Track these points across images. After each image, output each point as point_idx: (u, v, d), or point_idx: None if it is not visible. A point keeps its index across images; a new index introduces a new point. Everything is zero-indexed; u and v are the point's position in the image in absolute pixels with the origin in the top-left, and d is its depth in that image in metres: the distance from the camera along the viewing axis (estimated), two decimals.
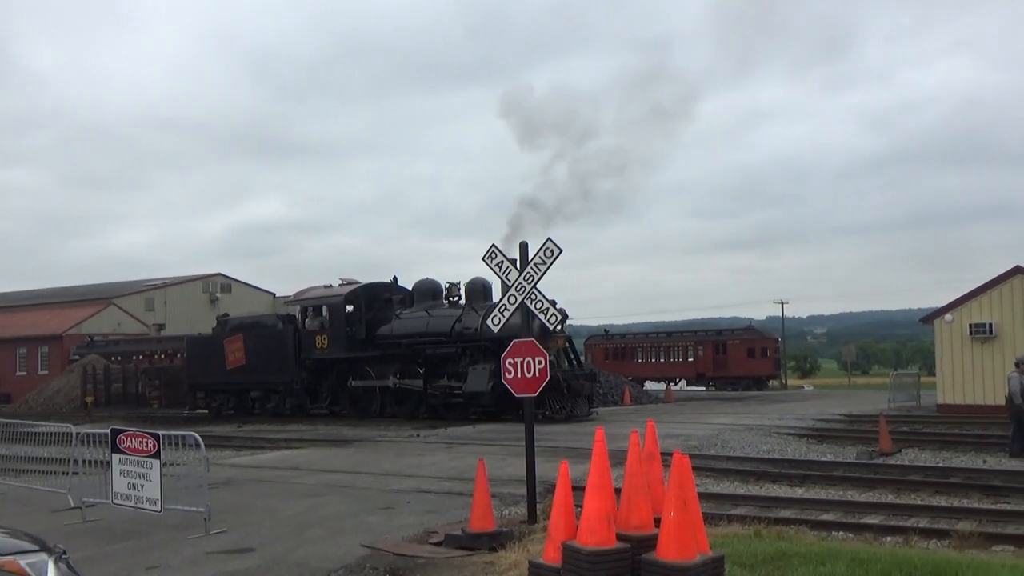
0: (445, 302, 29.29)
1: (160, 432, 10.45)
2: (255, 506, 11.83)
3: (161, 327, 60.72)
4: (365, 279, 31.53)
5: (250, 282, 76.00)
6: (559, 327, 25.83)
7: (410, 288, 30.59)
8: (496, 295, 27.01)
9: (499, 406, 25.80)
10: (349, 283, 31.09)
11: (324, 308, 30.62)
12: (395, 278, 31.19)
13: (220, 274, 73.01)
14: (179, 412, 38.29)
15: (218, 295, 70.41)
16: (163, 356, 49.88)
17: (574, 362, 28.14)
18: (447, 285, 29.31)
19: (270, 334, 32.10)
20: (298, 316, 31.64)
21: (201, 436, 10.87)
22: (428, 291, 29.87)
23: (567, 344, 27.83)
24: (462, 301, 28.74)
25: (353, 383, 29.85)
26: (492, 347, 25.07)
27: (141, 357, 49.80)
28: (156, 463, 10.07)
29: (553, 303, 25.08)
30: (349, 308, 29.91)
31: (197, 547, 9.25)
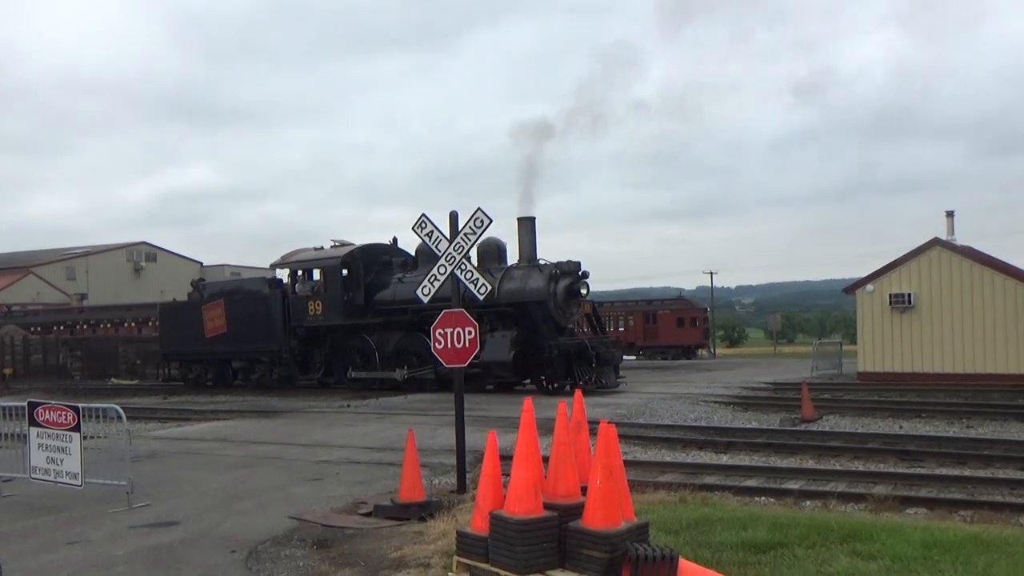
0: None
1: (80, 405, 10.17)
2: (180, 479, 11.64)
3: (83, 297, 59.10)
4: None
5: (177, 251, 74.39)
6: (585, 292, 24.57)
7: (412, 251, 27.88)
8: (511, 256, 25.89)
9: (520, 375, 24.58)
10: (343, 244, 28.89)
11: (318, 271, 28.28)
12: (395, 239, 28.80)
13: (145, 243, 71.35)
14: (103, 384, 37.45)
15: (143, 264, 68.86)
16: (85, 326, 48.64)
17: (599, 330, 26.58)
18: None
19: (255, 299, 29.66)
20: (287, 280, 29.18)
21: (126, 408, 10.64)
22: (433, 253, 28.76)
23: (592, 311, 26.48)
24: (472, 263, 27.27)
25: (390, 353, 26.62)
26: (513, 313, 24.11)
27: (62, 328, 48.49)
28: (76, 436, 9.82)
29: (578, 264, 24.22)
30: (345, 271, 27.51)
31: (119, 521, 9.07)
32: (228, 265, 74.53)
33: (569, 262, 24.35)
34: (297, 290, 28.56)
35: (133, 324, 47.74)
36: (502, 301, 24.10)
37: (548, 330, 23.52)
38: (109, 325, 48.29)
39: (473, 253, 26.30)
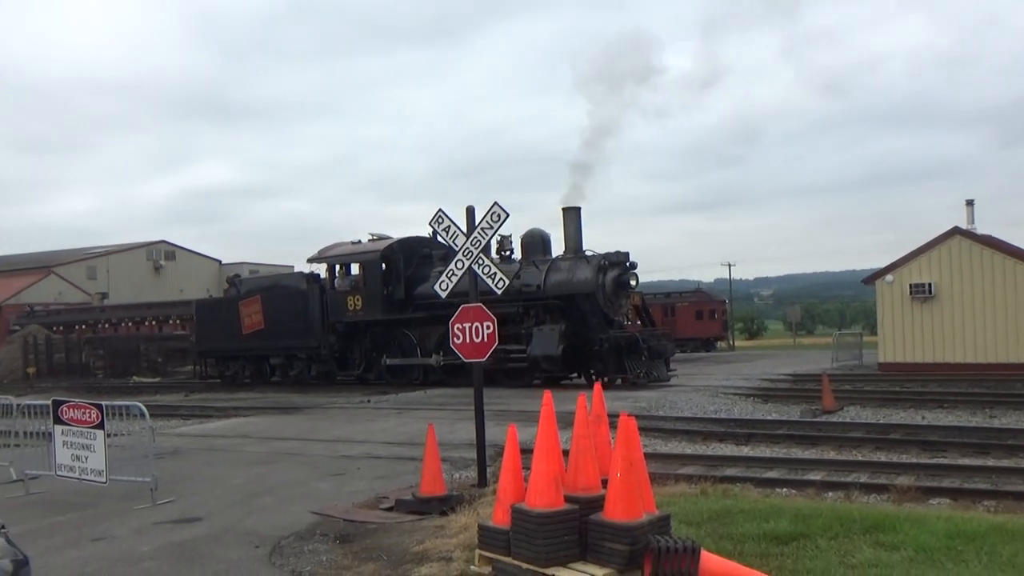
0: (496, 256, 25.93)
1: (104, 403, 10.27)
2: (203, 475, 11.73)
3: (104, 296, 59.56)
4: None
5: (195, 249, 74.84)
6: (635, 283, 24.19)
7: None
8: (556, 248, 25.42)
9: (567, 369, 24.27)
10: (380, 238, 28.14)
11: (356, 265, 27.79)
12: (434, 231, 28.49)
13: (164, 241, 71.80)
14: (125, 382, 37.75)
15: (162, 263, 69.30)
16: (107, 325, 49.04)
17: (648, 322, 26.15)
18: (499, 237, 25.87)
19: (293, 295, 29.29)
20: (325, 275, 28.67)
21: (148, 406, 10.73)
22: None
23: (641, 302, 25.91)
24: (514, 255, 26.04)
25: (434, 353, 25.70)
26: (560, 305, 23.66)
27: (84, 326, 48.90)
28: (100, 434, 9.91)
29: (626, 255, 23.96)
30: (384, 265, 26.92)
31: (144, 518, 9.16)
32: (247, 263, 74.88)
33: (617, 253, 23.97)
34: (336, 285, 28.08)
35: (154, 322, 48.08)
36: (549, 293, 23.77)
37: (597, 323, 23.09)
38: (130, 324, 48.66)
39: (516, 244, 25.86)
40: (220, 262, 75.48)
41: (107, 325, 49.04)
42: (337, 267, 28.36)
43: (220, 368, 32.60)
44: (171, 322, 47.73)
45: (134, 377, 39.99)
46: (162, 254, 69.91)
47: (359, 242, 28.57)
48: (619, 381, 22.63)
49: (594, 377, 23.29)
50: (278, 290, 30.33)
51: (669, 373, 24.05)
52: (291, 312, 28.86)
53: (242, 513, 9.21)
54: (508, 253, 25.96)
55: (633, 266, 24.07)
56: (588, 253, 24.12)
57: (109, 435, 10.13)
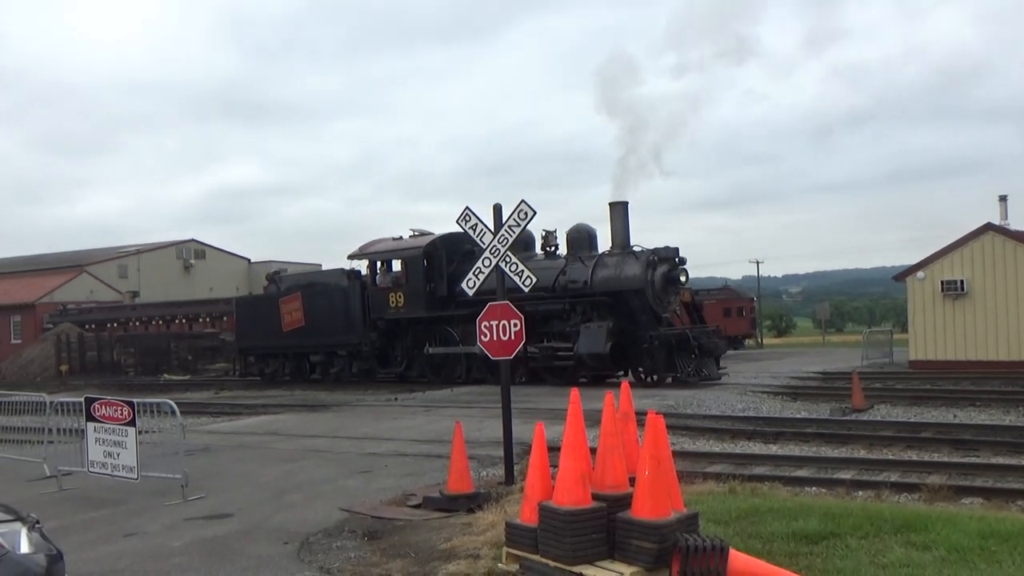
0: (540, 252, 25.85)
1: (135, 400, 10.39)
2: (233, 472, 11.84)
3: (135, 294, 60.21)
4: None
5: (224, 247, 75.43)
6: (684, 279, 23.61)
7: None
8: (602, 243, 24.94)
9: (615, 367, 23.76)
10: (422, 234, 27.67)
11: (398, 262, 27.38)
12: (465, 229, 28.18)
13: (194, 240, 72.36)
14: (155, 379, 38.15)
15: (192, 261, 69.87)
16: (138, 323, 49.57)
17: (698, 319, 25.42)
18: (543, 233, 25.76)
19: (334, 292, 28.80)
20: (366, 272, 28.28)
21: (178, 403, 10.85)
22: (520, 241, 25.97)
23: (691, 299, 25.11)
24: (559, 251, 25.50)
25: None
26: (608, 302, 23.12)
27: (116, 325, 49.47)
28: (131, 431, 10.03)
29: (676, 250, 23.59)
30: (427, 262, 26.42)
31: (175, 514, 9.25)
32: (275, 261, 75.31)
33: (667, 248, 23.51)
34: (377, 281, 27.78)
35: (184, 321, 48.55)
36: (596, 290, 23.29)
37: (647, 320, 22.68)
38: (161, 322, 49.16)
39: (562, 240, 25.41)
40: (249, 261, 76.02)
41: (138, 323, 49.56)
42: (378, 263, 28.07)
43: (260, 365, 32.25)
44: (201, 320, 48.16)
45: (164, 375, 40.40)
46: (192, 253, 70.49)
47: (400, 238, 28.30)
48: (669, 379, 22.22)
49: (643, 375, 22.91)
50: (319, 287, 29.95)
51: (720, 371, 23.56)
52: (332, 309, 28.55)
53: (271, 510, 9.28)
54: (553, 249, 25.50)
55: (682, 262, 23.63)
56: (636, 249, 23.63)
57: (140, 432, 10.25)
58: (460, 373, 26.01)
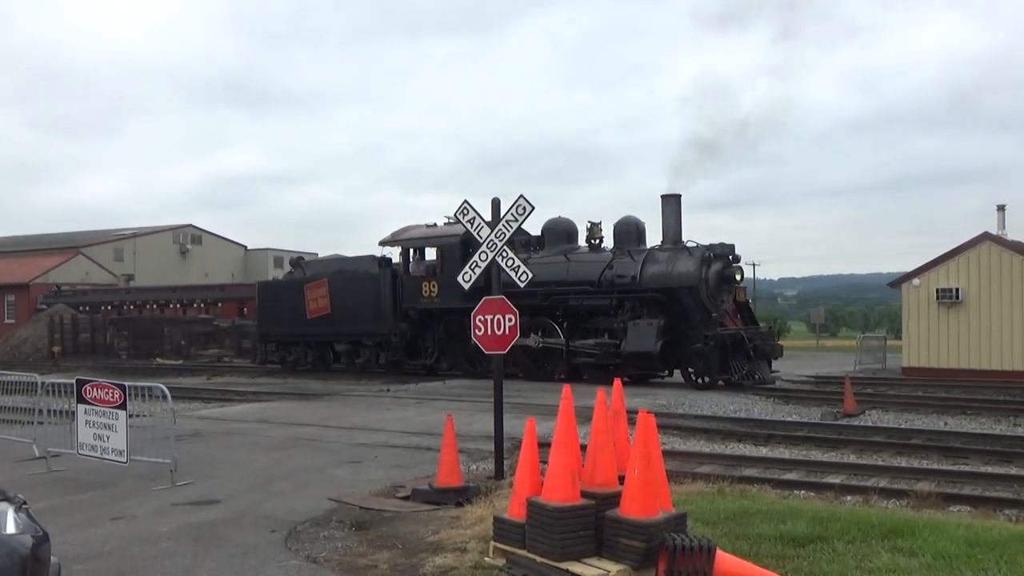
0: (585, 245, 24.91)
1: (127, 383, 10.37)
2: (222, 458, 11.82)
3: (130, 278, 60.14)
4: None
5: (221, 234, 75.34)
6: (740, 278, 22.79)
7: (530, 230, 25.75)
8: (653, 237, 23.97)
9: (665, 366, 22.90)
10: (458, 222, 26.79)
11: (433, 250, 26.21)
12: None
13: (191, 225, 72.30)
14: (148, 363, 38.11)
15: (188, 246, 69.81)
16: (132, 307, 49.52)
17: (750, 320, 24.27)
18: (588, 225, 24.70)
19: (363, 279, 27.75)
20: (398, 259, 27.33)
21: (170, 388, 10.82)
22: (563, 232, 25.33)
23: (745, 298, 24.16)
24: (604, 244, 24.56)
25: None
26: (659, 299, 22.13)
27: (110, 307, 49.41)
28: (122, 414, 10.01)
29: (731, 247, 22.92)
30: (464, 250, 24.25)
31: (162, 498, 9.24)
32: (271, 249, 75.33)
33: (722, 244, 22.68)
34: (411, 270, 26.79)
35: (178, 305, 48.51)
36: (646, 286, 22.40)
37: (700, 319, 21.72)
38: (155, 306, 49.12)
39: (607, 234, 24.27)
40: (246, 248, 75.97)
41: (132, 307, 49.53)
42: (412, 251, 27.07)
43: (281, 353, 31.20)
44: (195, 305, 48.13)
45: (157, 359, 40.37)
46: (188, 238, 70.41)
47: (434, 225, 27.37)
48: (720, 382, 21.42)
49: (693, 376, 22.08)
50: (347, 274, 28.85)
51: (773, 374, 22.62)
52: (360, 297, 27.56)
53: (260, 497, 9.27)
54: (598, 241, 24.56)
55: (737, 259, 22.84)
56: (689, 244, 22.82)
57: (131, 416, 10.22)
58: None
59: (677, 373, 23.23)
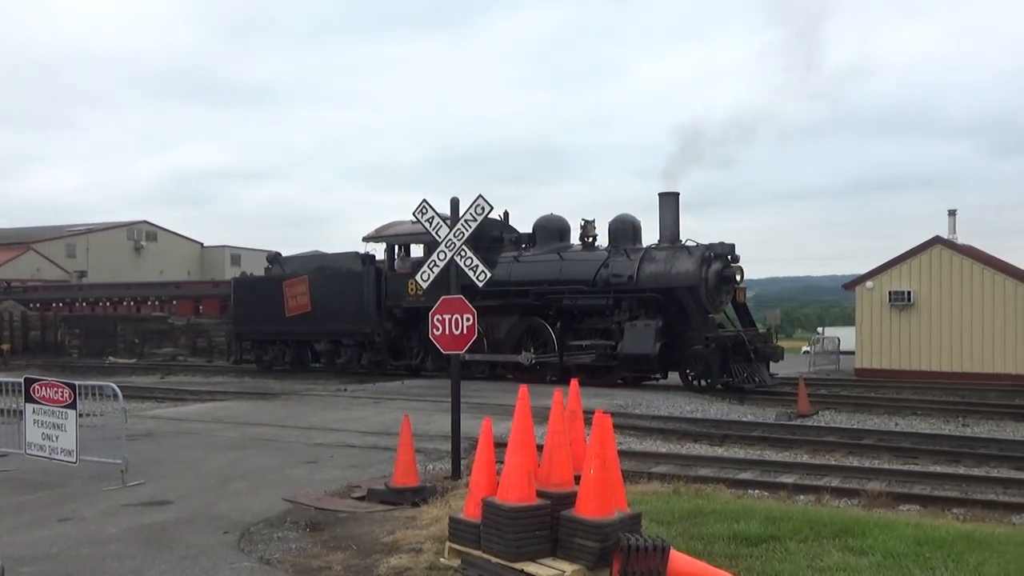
0: (578, 243, 24.23)
1: (77, 382, 10.18)
2: (175, 459, 11.65)
3: (83, 274, 59.13)
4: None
5: (178, 231, 74.36)
6: (740, 278, 22.27)
7: (520, 228, 25.35)
8: (648, 236, 23.56)
9: (661, 369, 22.47)
10: (446, 217, 26.28)
11: (420, 246, 25.05)
12: (506, 213, 25.98)
13: (146, 221, 71.29)
14: (100, 362, 37.47)
15: (143, 243, 68.83)
16: (84, 304, 48.69)
17: (749, 322, 23.58)
18: (581, 223, 24.02)
19: (345, 276, 26.68)
20: (383, 256, 26.42)
21: (123, 387, 10.67)
22: (555, 230, 24.79)
23: (745, 299, 23.57)
24: (598, 243, 23.95)
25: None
26: (658, 299, 21.60)
27: (61, 304, 48.53)
28: (72, 413, 9.82)
29: (732, 247, 22.29)
30: None
31: (113, 499, 9.08)
32: (229, 247, 74.51)
33: (722, 244, 22.17)
34: (395, 267, 25.87)
35: (132, 303, 47.77)
36: (643, 286, 21.90)
37: (699, 320, 21.25)
38: (108, 303, 48.34)
39: (602, 232, 23.74)
40: (202, 245, 75.07)
41: (84, 304, 48.69)
42: (397, 248, 26.24)
43: (257, 352, 30.04)
44: (150, 303, 47.44)
45: (110, 358, 39.71)
46: (143, 234, 69.40)
47: (418, 221, 26.68)
48: (719, 386, 21.01)
49: (691, 379, 21.69)
50: (329, 271, 27.73)
51: (772, 377, 22.05)
52: (342, 294, 26.55)
53: (213, 498, 9.15)
54: (592, 240, 23.90)
55: (736, 259, 22.36)
56: (688, 243, 22.35)
57: (81, 415, 10.04)
58: (484, 369, 24.21)
59: (673, 375, 22.89)
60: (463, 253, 10.16)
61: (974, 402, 20.43)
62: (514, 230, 25.75)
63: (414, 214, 10.50)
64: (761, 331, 23.36)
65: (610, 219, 23.98)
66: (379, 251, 26.79)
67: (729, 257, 22.17)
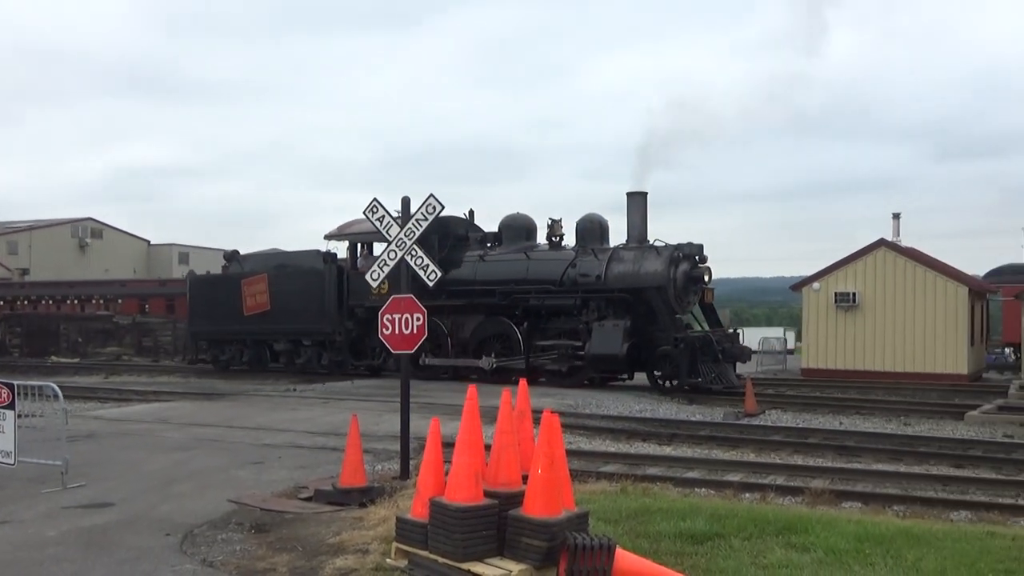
0: (545, 242, 24.07)
1: (16, 382, 9.93)
2: (118, 460, 11.43)
3: (25, 272, 57.76)
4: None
5: (124, 228, 73.03)
6: (708, 279, 22.28)
7: (484, 226, 25.11)
8: (615, 235, 23.41)
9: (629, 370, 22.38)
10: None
11: (384, 244, 25.17)
12: (471, 212, 25.75)
13: (91, 219, 69.87)
14: (42, 362, 36.64)
15: (88, 240, 67.47)
16: (26, 302, 47.57)
17: (716, 322, 23.52)
18: (548, 222, 23.78)
19: (306, 275, 26.13)
20: (345, 254, 26.18)
21: (65, 387, 10.45)
22: (521, 229, 24.59)
23: (713, 300, 23.48)
24: (565, 242, 23.77)
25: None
26: (626, 299, 21.48)
27: (2, 303, 47.36)
28: (10, 414, 9.57)
29: (700, 248, 22.08)
30: (416, 245, 23.97)
31: (52, 501, 8.88)
32: (176, 245, 73.36)
33: (690, 244, 22.19)
34: (358, 265, 25.24)
35: (76, 301, 46.77)
36: (611, 286, 21.76)
37: (668, 321, 21.18)
38: (51, 302, 47.26)
39: (570, 230, 23.67)
40: (149, 242, 73.79)
41: (26, 302, 47.55)
42: (360, 246, 25.93)
43: (214, 352, 29.34)
44: (94, 302, 46.47)
45: (52, 357, 38.83)
46: (88, 232, 68.00)
47: None
48: (686, 387, 21.02)
49: (659, 380, 21.71)
50: (289, 269, 27.08)
51: (739, 379, 21.96)
52: (303, 293, 26.01)
53: (156, 500, 8.99)
54: (559, 239, 23.72)
55: (704, 259, 22.38)
56: (656, 243, 22.30)
57: (20, 415, 9.80)
58: (447, 370, 23.87)
59: (640, 376, 22.90)
60: (414, 252, 10.13)
61: (915, 402, 20.89)
62: (479, 229, 25.53)
63: (364, 213, 10.44)
64: (729, 331, 23.47)
65: (576, 218, 24.02)
66: (341, 249, 26.54)
67: (697, 257, 22.24)
